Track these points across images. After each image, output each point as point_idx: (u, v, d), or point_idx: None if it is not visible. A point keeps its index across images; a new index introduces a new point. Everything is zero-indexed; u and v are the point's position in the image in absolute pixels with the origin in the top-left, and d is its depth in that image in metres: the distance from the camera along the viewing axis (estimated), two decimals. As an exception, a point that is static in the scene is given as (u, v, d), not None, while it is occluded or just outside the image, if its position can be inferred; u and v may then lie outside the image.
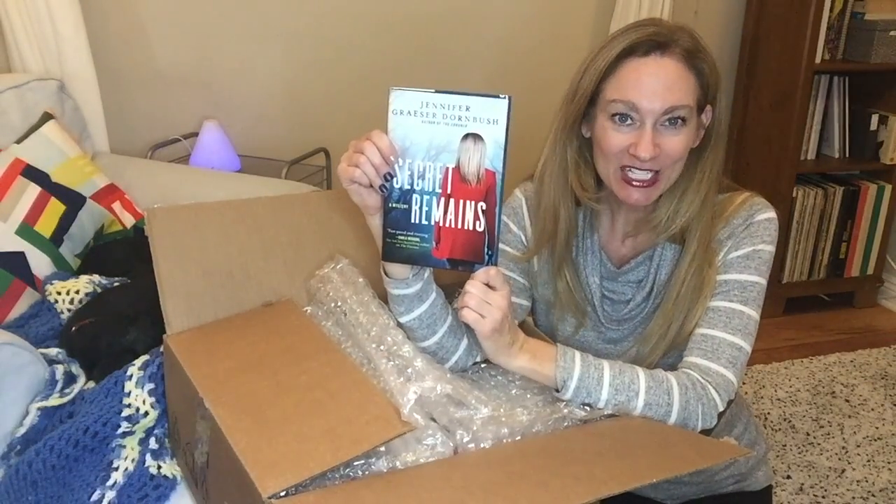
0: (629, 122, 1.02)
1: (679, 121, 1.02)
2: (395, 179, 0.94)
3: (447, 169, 0.93)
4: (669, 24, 1.04)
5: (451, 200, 0.94)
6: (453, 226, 0.94)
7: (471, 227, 0.94)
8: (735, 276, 1.08)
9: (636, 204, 1.07)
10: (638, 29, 1.02)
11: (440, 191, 0.94)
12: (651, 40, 1.00)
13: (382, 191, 0.95)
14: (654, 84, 1.00)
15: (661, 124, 1.02)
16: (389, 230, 0.97)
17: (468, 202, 0.93)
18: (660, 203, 1.10)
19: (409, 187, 0.94)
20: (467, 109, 0.90)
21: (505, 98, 0.89)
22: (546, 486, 0.81)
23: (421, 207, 0.95)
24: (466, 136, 0.91)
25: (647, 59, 1.01)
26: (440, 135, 0.92)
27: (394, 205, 0.95)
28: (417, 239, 0.96)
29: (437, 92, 0.91)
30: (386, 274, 1.02)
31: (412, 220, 0.95)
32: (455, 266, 0.96)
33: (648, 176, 1.04)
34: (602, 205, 1.13)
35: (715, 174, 1.09)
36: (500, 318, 0.94)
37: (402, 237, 0.96)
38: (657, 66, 1.00)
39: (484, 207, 0.93)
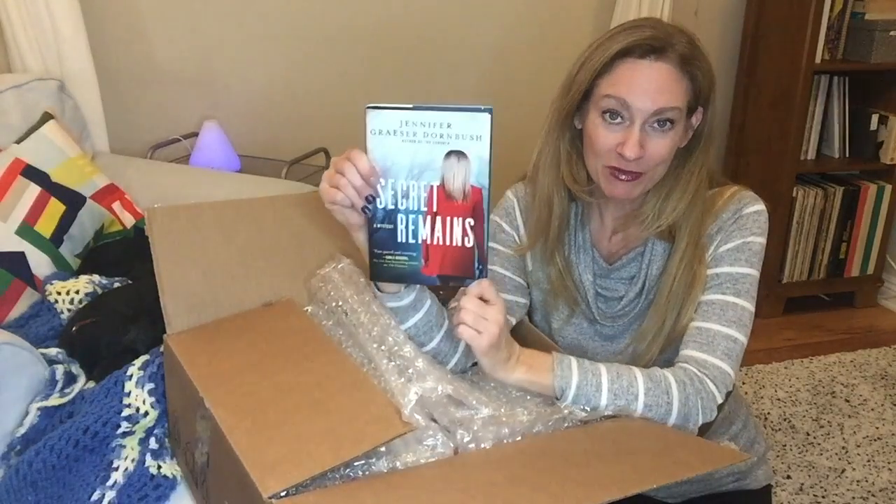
0: (619, 120, 1.04)
1: (667, 123, 1.03)
2: (378, 200, 0.92)
3: (432, 187, 0.91)
4: (668, 25, 1.05)
5: (438, 218, 0.92)
6: (441, 243, 0.93)
7: (459, 244, 0.92)
8: (726, 268, 1.08)
9: (619, 198, 1.08)
10: (636, 30, 1.03)
11: (426, 209, 0.92)
12: (648, 44, 1.01)
13: (365, 212, 0.93)
14: (647, 85, 1.01)
15: (650, 125, 1.03)
16: (376, 251, 0.95)
17: (455, 219, 0.92)
18: (647, 199, 1.12)
19: (393, 207, 0.92)
20: (449, 126, 0.88)
21: (486, 111, 0.87)
22: (546, 489, 0.81)
23: (407, 227, 0.93)
24: (449, 153, 0.89)
25: (642, 61, 1.02)
26: (422, 153, 0.89)
27: (379, 225, 0.94)
28: (405, 258, 0.94)
29: (415, 108, 0.88)
30: (377, 288, 1.02)
31: (398, 240, 0.94)
32: (446, 282, 0.95)
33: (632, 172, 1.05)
34: (593, 198, 1.14)
35: (704, 173, 1.10)
36: (497, 332, 0.93)
37: (389, 257, 0.95)
38: (651, 70, 1.02)
39: (472, 223, 0.91)
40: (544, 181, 1.14)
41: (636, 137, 1.02)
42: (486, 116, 0.87)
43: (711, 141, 1.11)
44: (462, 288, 0.95)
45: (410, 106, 0.88)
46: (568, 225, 1.18)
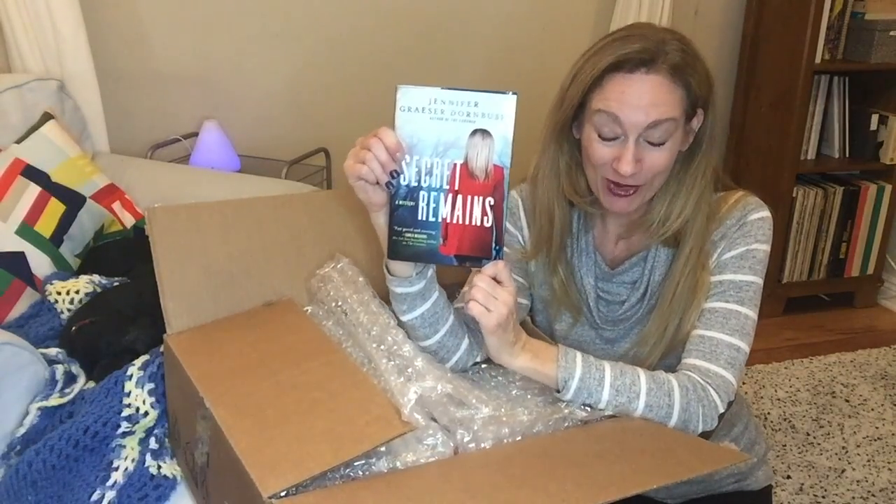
0: (613, 136, 1.03)
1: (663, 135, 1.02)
2: (401, 177, 0.95)
3: (455, 165, 0.93)
4: (659, 32, 1.02)
5: (459, 197, 0.94)
6: (461, 222, 0.95)
7: (479, 223, 0.95)
8: (730, 276, 1.08)
9: (619, 211, 1.09)
10: (626, 41, 1.01)
11: (448, 187, 0.94)
12: (638, 57, 0.99)
13: (389, 188, 0.95)
14: (639, 100, 1.00)
15: (645, 139, 1.02)
16: (396, 228, 0.96)
17: (476, 198, 0.94)
18: (651, 205, 1.11)
19: (416, 184, 0.95)
20: (475, 105, 0.92)
21: (513, 94, 0.91)
22: (546, 490, 0.81)
23: (428, 204, 0.95)
24: (475, 131, 0.92)
25: (632, 75, 1.00)
26: (448, 131, 0.93)
27: (401, 202, 0.95)
28: (424, 236, 0.96)
29: (444, 89, 0.92)
30: (389, 272, 1.02)
31: (419, 217, 0.95)
32: (462, 262, 0.96)
33: (631, 187, 1.05)
34: (594, 208, 1.13)
35: (708, 177, 1.09)
36: (506, 313, 0.94)
37: (408, 234, 0.96)
38: (643, 83, 1.00)
39: (492, 203, 0.94)
40: (544, 193, 1.13)
41: (631, 153, 1.01)
42: (513, 98, 0.91)
43: (714, 143, 1.10)
44: (474, 269, 0.96)
45: (440, 87, 0.92)
46: (570, 231, 1.17)
